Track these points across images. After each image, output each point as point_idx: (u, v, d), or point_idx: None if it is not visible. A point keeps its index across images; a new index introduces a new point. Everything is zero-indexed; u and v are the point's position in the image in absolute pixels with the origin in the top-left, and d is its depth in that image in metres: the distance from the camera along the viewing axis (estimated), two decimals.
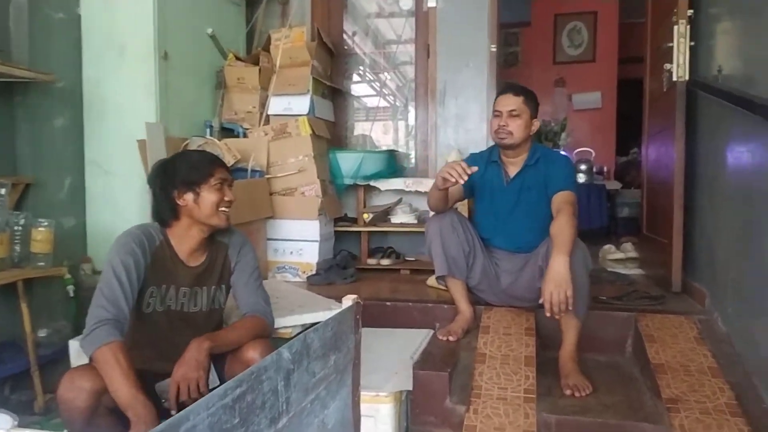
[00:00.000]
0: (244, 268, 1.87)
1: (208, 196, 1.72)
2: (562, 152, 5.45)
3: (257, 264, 1.92)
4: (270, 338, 1.86)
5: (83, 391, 1.46)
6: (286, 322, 2.26)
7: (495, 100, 2.38)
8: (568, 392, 1.94)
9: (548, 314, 1.87)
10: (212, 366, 1.64)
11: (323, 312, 2.32)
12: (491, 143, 3.50)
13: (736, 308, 2.09)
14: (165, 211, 1.75)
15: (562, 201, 2.17)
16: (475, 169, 2.07)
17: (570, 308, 1.87)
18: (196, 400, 1.50)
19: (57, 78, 2.68)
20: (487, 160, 2.44)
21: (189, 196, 1.72)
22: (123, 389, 1.44)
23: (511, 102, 2.29)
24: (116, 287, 1.59)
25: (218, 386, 1.60)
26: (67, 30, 2.85)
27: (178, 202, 1.72)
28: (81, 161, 2.93)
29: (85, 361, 1.63)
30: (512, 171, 2.38)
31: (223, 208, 1.76)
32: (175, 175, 1.73)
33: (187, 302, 1.79)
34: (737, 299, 2.08)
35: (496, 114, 2.33)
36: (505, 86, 2.40)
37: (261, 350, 1.68)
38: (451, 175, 2.04)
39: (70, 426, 1.50)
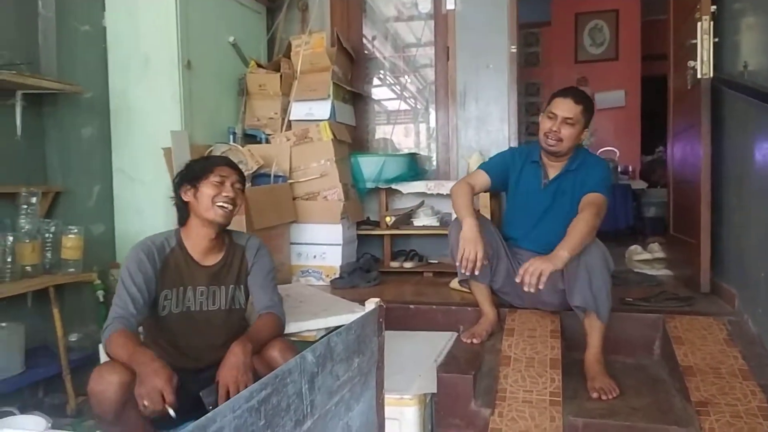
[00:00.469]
0: (260, 268, 1.94)
1: (205, 190, 1.80)
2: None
3: (273, 266, 2.01)
4: (289, 339, 1.92)
5: (112, 383, 1.51)
6: (310, 326, 2.28)
7: (552, 99, 2.27)
8: (594, 395, 1.91)
9: (518, 280, 1.93)
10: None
11: (347, 315, 2.32)
12: (512, 144, 3.51)
13: (767, 309, 2.04)
14: (179, 209, 1.89)
15: (588, 201, 2.15)
16: (485, 263, 2.12)
17: (541, 286, 1.89)
18: None
19: (84, 89, 2.75)
20: (526, 158, 2.39)
21: (191, 192, 1.83)
22: (127, 350, 1.56)
23: (570, 109, 2.20)
24: (123, 292, 1.72)
25: None
26: (93, 42, 2.92)
27: (183, 198, 1.84)
28: (109, 169, 3.00)
29: None
30: (551, 173, 2.34)
31: (221, 203, 1.80)
32: (184, 172, 1.88)
33: (206, 301, 1.86)
34: None
35: (550, 116, 2.23)
36: (567, 89, 2.28)
37: (280, 348, 1.77)
38: (463, 263, 2.10)
39: (101, 419, 1.55)
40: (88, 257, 2.61)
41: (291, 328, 2.22)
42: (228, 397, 1.57)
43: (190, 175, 1.84)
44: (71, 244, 2.52)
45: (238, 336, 1.80)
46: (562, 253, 1.94)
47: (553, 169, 2.34)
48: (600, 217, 2.09)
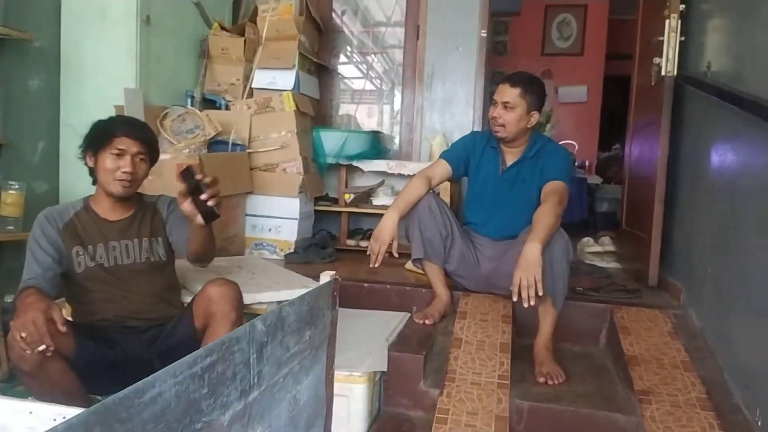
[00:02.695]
0: (177, 215, 1.85)
1: (104, 162, 1.74)
2: None
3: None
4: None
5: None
6: (263, 298, 2.22)
7: (497, 87, 2.27)
8: (541, 380, 1.94)
9: (515, 298, 1.87)
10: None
11: (300, 289, 2.27)
12: (476, 129, 3.51)
13: (711, 304, 2.11)
14: (90, 171, 1.83)
15: (550, 190, 2.15)
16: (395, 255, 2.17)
17: (539, 293, 1.86)
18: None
19: (34, 37, 2.59)
20: (486, 143, 2.37)
21: (92, 159, 1.77)
22: (19, 301, 1.53)
23: (507, 93, 2.20)
24: (30, 258, 1.70)
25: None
26: None
27: (88, 163, 1.79)
28: (56, 124, 2.84)
29: None
30: (509, 159, 2.33)
31: (119, 178, 1.73)
32: (87, 136, 1.79)
33: (119, 255, 1.81)
34: (713, 296, 2.09)
35: (493, 103, 2.25)
36: (509, 75, 2.27)
37: (220, 284, 1.72)
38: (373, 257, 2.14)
39: (22, 372, 1.49)
40: (29, 216, 2.44)
41: (261, 297, 2.18)
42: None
43: (91, 141, 1.76)
44: (11, 200, 2.39)
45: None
46: (536, 245, 1.90)
47: (511, 156, 2.33)
48: (563, 206, 2.10)
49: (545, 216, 2.01)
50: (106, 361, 1.66)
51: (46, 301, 1.50)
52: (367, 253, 2.17)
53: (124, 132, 1.73)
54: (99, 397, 1.73)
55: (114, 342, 1.71)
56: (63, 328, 1.47)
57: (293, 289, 2.28)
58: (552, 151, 2.31)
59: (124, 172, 1.72)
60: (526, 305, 1.86)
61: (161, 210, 1.91)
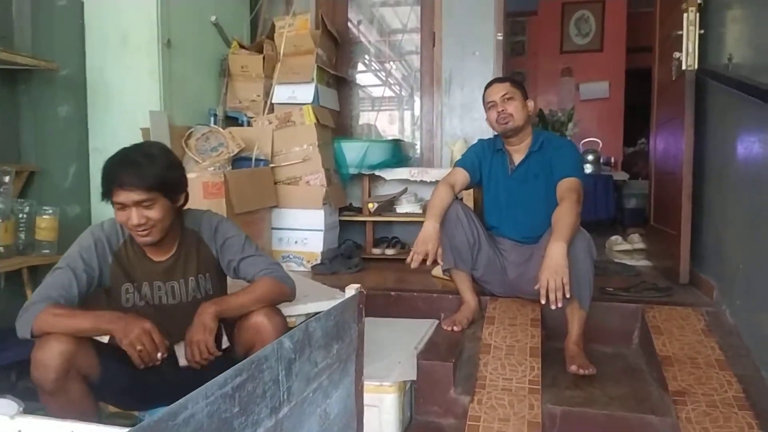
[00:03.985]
0: (231, 246, 1.76)
1: (117, 216, 1.60)
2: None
3: (244, 235, 1.81)
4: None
5: (53, 350, 1.46)
6: (290, 312, 2.24)
7: (483, 97, 2.38)
8: (573, 368, 1.95)
9: (543, 301, 1.86)
10: (222, 328, 1.66)
11: (327, 301, 2.30)
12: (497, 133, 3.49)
13: (745, 300, 2.06)
14: None
15: (566, 188, 2.15)
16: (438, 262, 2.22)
17: (567, 296, 1.85)
18: (209, 359, 1.57)
19: (60, 66, 2.67)
20: (493, 149, 2.42)
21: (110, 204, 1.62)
22: (81, 317, 1.50)
23: (501, 88, 2.31)
24: (67, 273, 1.59)
25: (229, 348, 1.61)
26: (70, 17, 2.83)
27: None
28: (85, 149, 2.92)
29: None
30: (517, 159, 2.36)
31: (133, 230, 1.59)
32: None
33: (165, 296, 1.73)
34: (746, 291, 2.05)
35: (491, 105, 2.33)
36: (489, 81, 2.42)
37: (266, 313, 1.63)
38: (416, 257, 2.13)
39: (41, 389, 1.49)
40: (64, 239, 2.54)
41: (288, 311, 2.18)
42: (193, 357, 1.56)
43: (102, 190, 1.59)
44: (46, 224, 2.46)
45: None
46: (560, 244, 1.89)
47: (518, 154, 2.36)
48: (581, 203, 2.10)
49: (565, 215, 2.01)
50: (133, 384, 1.66)
51: (142, 316, 1.53)
52: (407, 261, 2.16)
53: (118, 184, 1.54)
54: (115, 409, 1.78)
55: (150, 368, 1.68)
56: (164, 351, 1.51)
57: (320, 301, 2.31)
58: (559, 146, 2.32)
59: (133, 226, 1.57)
60: (553, 307, 1.86)
61: (207, 241, 1.76)
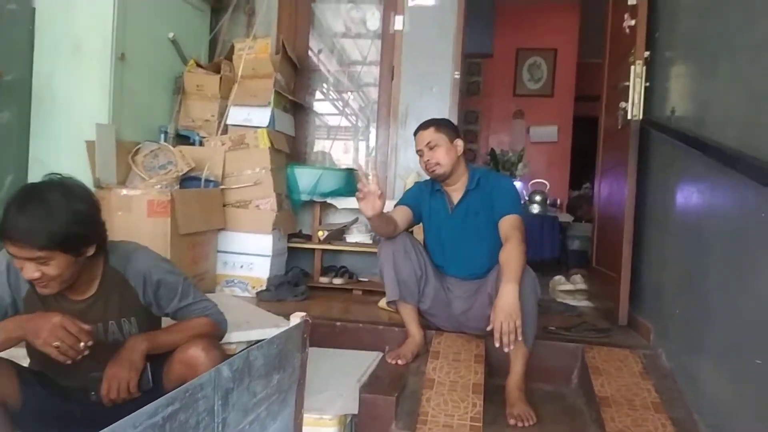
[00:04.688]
0: (166, 295, 1.64)
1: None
2: (517, 182, 5.56)
3: (178, 278, 1.68)
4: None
5: None
6: (232, 338, 2.17)
7: (414, 140, 2.39)
8: (512, 422, 1.92)
9: (497, 344, 1.86)
10: (148, 366, 1.55)
11: (271, 329, 2.24)
12: None
13: (680, 345, 2.13)
14: None
15: (509, 226, 2.16)
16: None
17: (519, 338, 1.86)
18: (125, 400, 1.45)
19: (4, 71, 2.56)
20: (431, 190, 2.42)
21: None
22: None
23: (425, 136, 2.32)
24: None
25: (149, 388, 1.50)
26: (19, 22, 2.73)
27: None
28: (25, 158, 2.79)
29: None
30: (455, 197, 2.37)
31: (31, 281, 1.44)
32: None
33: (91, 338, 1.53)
34: (681, 336, 2.12)
35: (419, 152, 2.35)
36: (416, 127, 2.40)
37: (204, 346, 1.53)
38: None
39: None
40: None
41: (232, 337, 2.12)
42: (108, 394, 1.45)
43: None
44: None
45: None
46: (512, 286, 1.90)
47: (456, 193, 2.38)
48: (524, 240, 2.12)
49: (513, 255, 2.02)
50: (56, 413, 1.56)
51: (51, 311, 1.43)
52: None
53: (9, 238, 1.36)
54: None
55: (71, 396, 1.59)
56: (87, 339, 1.40)
57: (264, 328, 2.25)
58: (497, 182, 2.34)
59: (31, 279, 1.41)
60: (506, 350, 1.85)
61: (137, 290, 1.61)
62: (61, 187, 1.44)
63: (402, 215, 2.36)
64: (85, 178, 2.61)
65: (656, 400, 1.97)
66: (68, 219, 1.38)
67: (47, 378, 1.60)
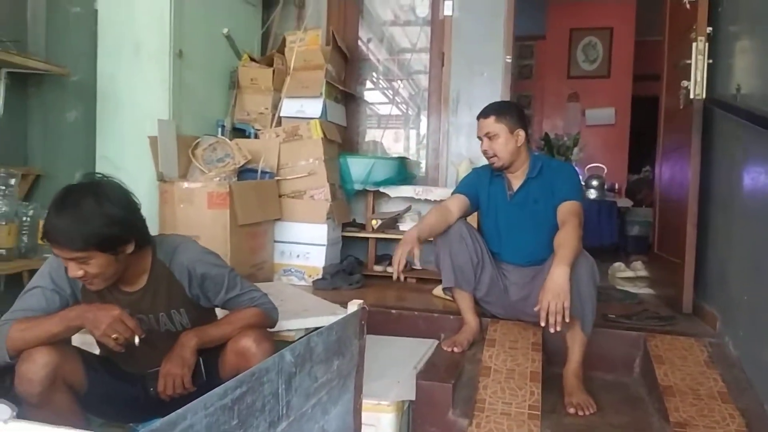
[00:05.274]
0: (213, 288, 1.68)
1: None
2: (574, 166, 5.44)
3: (224, 270, 1.70)
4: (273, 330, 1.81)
5: (36, 363, 1.44)
6: (290, 325, 2.23)
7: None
8: (571, 410, 1.89)
9: (542, 323, 1.83)
10: (200, 361, 1.62)
11: (328, 317, 2.29)
12: None
13: (748, 333, 2.04)
14: None
15: (567, 212, 2.13)
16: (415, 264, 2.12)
17: (566, 320, 1.82)
18: (181, 395, 1.52)
19: (71, 72, 2.70)
20: (490, 175, 2.39)
21: None
22: (47, 321, 1.46)
23: (484, 125, 2.27)
24: (38, 296, 1.55)
25: (203, 382, 1.57)
26: (83, 25, 2.86)
27: None
28: (92, 155, 2.93)
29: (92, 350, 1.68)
30: (516, 184, 2.34)
31: (85, 281, 1.51)
32: None
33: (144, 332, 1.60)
34: (749, 324, 2.03)
35: (479, 138, 2.32)
36: (482, 110, 2.33)
37: (256, 338, 1.59)
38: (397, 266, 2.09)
39: (26, 401, 1.46)
40: None
41: (287, 325, 2.16)
42: (165, 390, 1.54)
43: None
44: None
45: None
46: (563, 268, 1.86)
47: (516, 180, 2.34)
48: (582, 226, 2.08)
49: (568, 239, 1.99)
50: (121, 397, 1.65)
51: (110, 304, 1.52)
52: (390, 271, 2.15)
53: (51, 239, 1.44)
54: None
55: (136, 382, 1.69)
56: (140, 333, 1.49)
57: (321, 316, 2.30)
58: (558, 169, 2.31)
59: (77, 278, 1.49)
60: (552, 330, 1.82)
61: (182, 282, 1.66)
62: (95, 189, 1.48)
63: (458, 204, 2.34)
64: (149, 172, 2.72)
65: (723, 389, 1.91)
66: (101, 222, 1.43)
67: (112, 364, 1.70)
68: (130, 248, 1.53)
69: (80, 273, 1.45)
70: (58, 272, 1.56)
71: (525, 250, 2.32)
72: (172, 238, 1.74)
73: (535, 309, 1.86)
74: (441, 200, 3.13)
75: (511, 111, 2.30)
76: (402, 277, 2.13)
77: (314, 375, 1.09)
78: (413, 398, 1.92)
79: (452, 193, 2.45)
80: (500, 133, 2.25)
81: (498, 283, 2.34)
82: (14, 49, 2.37)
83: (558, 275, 1.86)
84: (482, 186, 2.40)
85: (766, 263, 1.91)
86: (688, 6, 2.66)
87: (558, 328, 1.82)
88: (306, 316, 2.31)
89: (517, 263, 2.35)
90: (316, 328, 1.99)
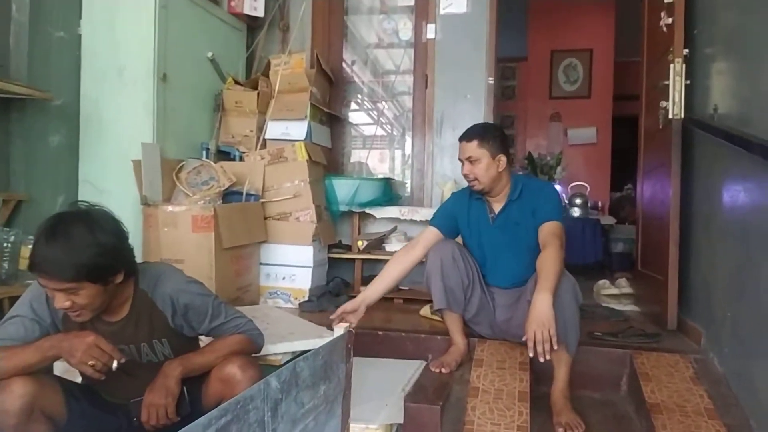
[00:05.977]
0: (196, 318, 1.66)
1: None
2: (557, 185, 5.49)
3: (207, 299, 1.68)
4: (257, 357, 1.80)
5: (12, 393, 1.40)
6: (277, 349, 2.22)
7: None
8: (560, 430, 1.88)
9: (531, 354, 1.83)
10: (185, 391, 1.59)
11: (314, 339, 2.27)
12: None
13: (733, 348, 2.06)
14: None
15: (548, 233, 2.13)
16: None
17: (555, 347, 1.82)
18: (165, 425, 1.49)
19: (54, 96, 2.68)
20: (470, 197, 2.39)
21: None
22: (23, 350, 1.43)
23: (466, 149, 2.25)
24: (18, 325, 1.52)
25: (188, 413, 1.54)
26: (66, 49, 2.86)
27: None
28: (75, 180, 2.92)
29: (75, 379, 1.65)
30: (497, 207, 2.33)
31: (71, 312, 1.47)
32: None
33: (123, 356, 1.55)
34: (734, 339, 2.05)
35: (460, 161, 2.30)
36: (464, 133, 2.30)
37: (241, 365, 1.58)
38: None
39: (4, 427, 1.41)
40: None
41: (274, 349, 2.15)
42: (149, 421, 1.50)
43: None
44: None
45: None
46: (546, 295, 1.86)
47: (497, 203, 2.33)
48: (563, 247, 2.09)
49: (549, 262, 1.98)
50: (102, 427, 1.61)
51: (86, 330, 1.49)
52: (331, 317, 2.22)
53: (38, 270, 1.40)
54: None
55: (117, 412, 1.66)
56: (119, 357, 1.45)
57: (308, 339, 2.28)
58: (538, 190, 2.30)
59: (61, 308, 1.45)
60: (541, 359, 1.82)
61: (163, 310, 1.63)
62: (86, 218, 1.46)
63: (428, 241, 2.35)
64: (132, 196, 2.71)
65: (709, 406, 1.91)
66: (93, 252, 1.40)
67: (94, 393, 1.66)
68: (120, 278, 1.51)
69: (68, 304, 1.42)
70: (39, 301, 1.53)
71: (509, 272, 2.32)
72: (155, 266, 1.72)
73: (523, 339, 1.86)
74: (426, 221, 3.14)
75: (494, 135, 2.27)
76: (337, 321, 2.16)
77: (300, 401, 1.08)
78: (401, 421, 1.91)
79: (429, 222, 2.44)
80: (482, 159, 2.23)
81: (487, 304, 2.34)
82: None
83: (540, 303, 1.86)
84: (461, 211, 2.39)
85: (748, 280, 1.93)
86: (664, 29, 2.73)
87: (547, 357, 1.81)
88: (292, 339, 2.29)
89: (502, 285, 2.35)
90: (304, 352, 1.98)
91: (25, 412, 1.40)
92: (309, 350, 1.17)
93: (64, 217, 1.45)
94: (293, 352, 2.24)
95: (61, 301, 1.42)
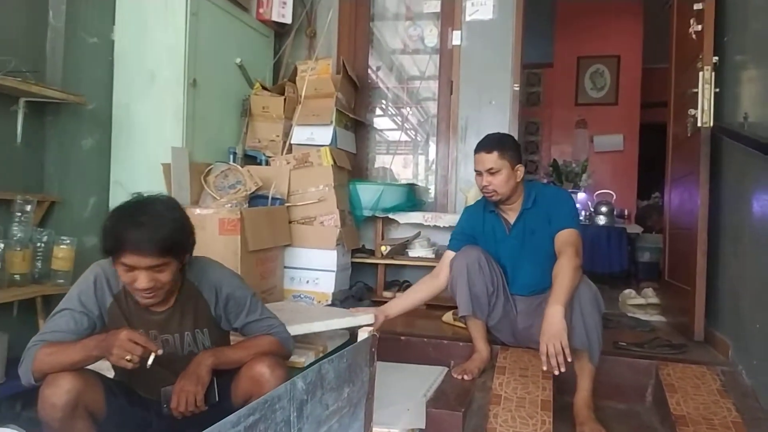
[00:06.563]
0: (235, 308, 1.72)
1: (118, 270, 1.53)
2: (582, 193, 5.44)
3: (249, 293, 1.76)
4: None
5: (60, 387, 1.45)
6: (313, 328, 2.23)
7: (475, 156, 2.30)
8: None
9: (545, 368, 1.83)
10: (214, 381, 1.62)
11: (348, 318, 2.27)
12: None
13: (762, 361, 2.02)
14: None
15: (563, 242, 2.12)
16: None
17: (568, 359, 1.81)
18: (194, 412, 1.52)
19: (88, 100, 2.75)
20: (483, 210, 2.39)
21: (111, 261, 1.55)
22: (72, 347, 1.48)
23: (486, 160, 2.22)
24: (67, 318, 1.57)
25: (215, 402, 1.56)
26: (100, 54, 2.93)
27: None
28: (106, 182, 2.98)
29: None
30: (511, 217, 2.33)
31: (138, 293, 1.54)
32: (102, 236, 1.53)
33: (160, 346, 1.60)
34: (763, 352, 2.01)
35: (477, 172, 2.28)
36: (480, 142, 2.28)
37: (270, 364, 1.61)
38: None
39: (47, 426, 1.47)
40: (79, 269, 2.55)
41: (295, 330, 2.11)
42: (178, 407, 1.53)
43: (103, 246, 1.51)
44: (62, 254, 2.49)
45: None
46: (557, 308, 1.86)
47: (512, 212, 2.33)
48: (580, 254, 2.07)
49: (563, 273, 1.97)
50: (136, 423, 1.65)
51: (125, 327, 1.53)
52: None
53: (131, 248, 1.45)
54: None
55: (150, 407, 1.69)
56: (155, 348, 1.48)
57: (341, 318, 2.30)
58: (552, 197, 2.29)
59: (138, 290, 1.52)
60: (556, 372, 1.82)
61: (209, 301, 1.70)
62: (160, 200, 1.57)
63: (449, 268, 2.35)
64: None
65: (737, 419, 1.88)
66: (178, 225, 1.52)
67: (130, 389, 1.71)
68: (189, 258, 1.61)
69: (152, 284, 1.50)
70: (87, 294, 1.60)
71: (528, 280, 2.32)
72: (200, 258, 1.77)
73: (540, 352, 1.86)
74: (450, 227, 3.13)
75: (513, 146, 2.27)
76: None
77: (325, 402, 1.09)
78: (423, 426, 1.91)
79: (448, 247, 2.43)
80: (503, 170, 2.21)
81: (510, 311, 2.33)
82: (32, 79, 2.42)
83: (552, 316, 1.86)
84: (477, 227, 2.40)
85: None
86: (694, 36, 2.70)
87: (562, 369, 1.81)
88: (325, 319, 2.28)
89: (522, 294, 2.34)
90: (335, 350, 1.99)
91: (70, 407, 1.45)
92: (341, 345, 1.18)
93: (141, 200, 1.55)
94: (322, 332, 2.25)
95: (145, 282, 1.48)
